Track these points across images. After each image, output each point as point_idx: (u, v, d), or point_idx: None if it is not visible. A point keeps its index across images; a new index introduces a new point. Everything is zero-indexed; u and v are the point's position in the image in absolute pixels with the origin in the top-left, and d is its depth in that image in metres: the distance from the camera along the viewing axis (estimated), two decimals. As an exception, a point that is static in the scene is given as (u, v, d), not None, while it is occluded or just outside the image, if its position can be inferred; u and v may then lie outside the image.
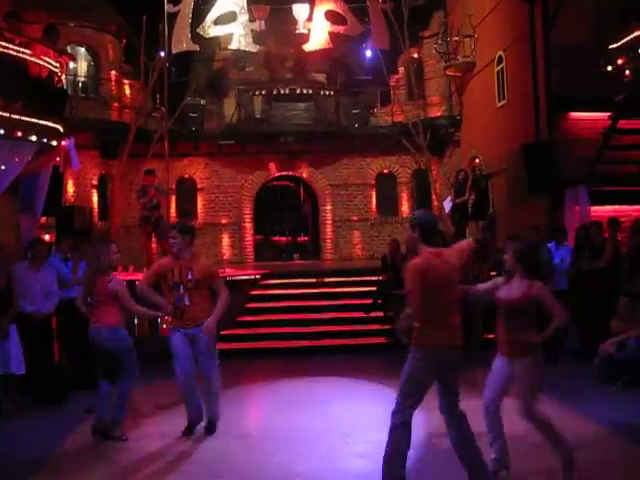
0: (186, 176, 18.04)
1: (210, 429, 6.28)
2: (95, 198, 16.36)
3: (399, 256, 10.62)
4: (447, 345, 4.51)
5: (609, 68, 10.57)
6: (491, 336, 6.75)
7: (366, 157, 18.38)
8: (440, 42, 16.69)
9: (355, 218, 18.37)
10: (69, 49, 14.80)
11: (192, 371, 6.23)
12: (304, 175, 18.51)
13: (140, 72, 15.44)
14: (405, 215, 17.69)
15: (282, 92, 17.48)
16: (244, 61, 18.33)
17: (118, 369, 6.22)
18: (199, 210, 18.09)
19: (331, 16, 16.53)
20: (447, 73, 16.74)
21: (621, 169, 11.39)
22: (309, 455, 5.72)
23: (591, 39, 11.36)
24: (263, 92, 17.72)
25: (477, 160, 15.68)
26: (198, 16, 16.08)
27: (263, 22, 16.41)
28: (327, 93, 17.91)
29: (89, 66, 16.68)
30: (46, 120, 8.76)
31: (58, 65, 9.59)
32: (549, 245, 10.19)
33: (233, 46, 16.53)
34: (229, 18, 16.18)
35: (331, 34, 16.49)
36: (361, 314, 11.29)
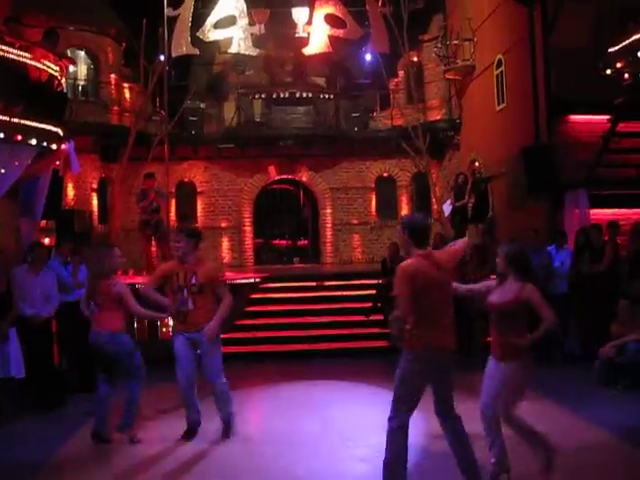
0: (186, 180, 18.04)
1: (225, 433, 6.27)
2: (95, 202, 16.34)
3: (399, 259, 10.55)
4: (438, 347, 4.52)
5: (608, 71, 10.56)
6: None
7: (366, 160, 18.38)
8: (440, 46, 16.69)
9: (355, 221, 18.36)
10: (69, 53, 14.80)
11: (193, 375, 6.23)
12: (304, 179, 18.51)
13: (140, 75, 15.45)
14: (405, 218, 17.64)
15: (282, 96, 17.48)
16: (244, 65, 18.32)
17: (117, 372, 6.23)
18: (199, 213, 18.08)
19: (331, 20, 16.54)
20: (447, 76, 16.74)
21: (621, 172, 11.40)
22: (310, 458, 5.72)
23: (590, 42, 11.36)
24: (263, 96, 17.73)
25: (477, 163, 15.69)
26: (198, 20, 16.09)
27: (263, 26, 16.42)
28: (327, 97, 17.92)
29: (89, 70, 16.67)
30: (46, 124, 8.77)
31: (58, 69, 9.60)
32: (549, 248, 10.20)
33: (233, 50, 16.54)
34: (229, 22, 16.19)
35: (331, 38, 16.50)
36: (361, 318, 11.29)
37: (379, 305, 10.98)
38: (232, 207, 18.13)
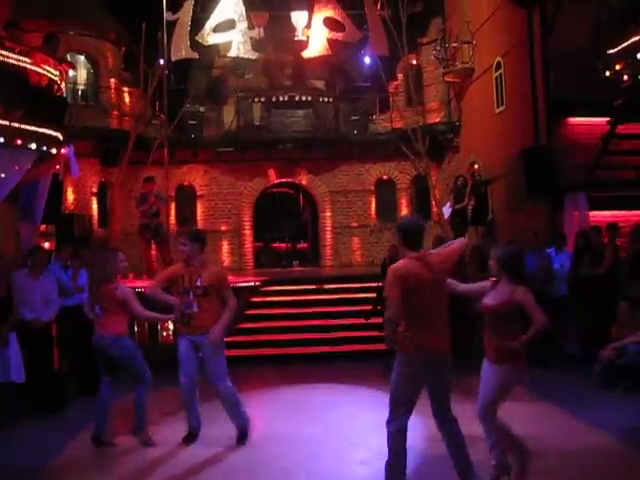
0: (185, 183, 18.05)
1: (240, 440, 6.22)
2: (95, 206, 16.36)
3: (398, 262, 10.62)
4: (431, 349, 4.52)
5: (607, 73, 10.57)
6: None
7: (365, 163, 18.39)
8: (439, 48, 16.71)
9: (354, 224, 18.37)
10: (69, 57, 14.84)
11: (196, 378, 6.23)
12: (303, 182, 18.52)
13: (139, 80, 15.49)
14: (405, 221, 17.66)
15: (281, 99, 17.50)
16: (243, 68, 18.35)
17: (121, 374, 6.24)
18: (199, 217, 18.08)
19: (329, 23, 16.59)
20: (446, 79, 16.75)
21: (620, 174, 11.40)
22: (311, 461, 5.72)
23: (589, 44, 11.36)
24: (262, 99, 17.74)
25: (476, 166, 15.70)
26: (197, 24, 16.13)
27: (262, 29, 16.47)
28: (326, 100, 17.92)
29: (89, 74, 16.69)
30: (46, 128, 8.78)
31: (58, 73, 9.61)
32: (548, 250, 10.21)
33: (232, 53, 16.59)
34: (228, 26, 16.23)
35: (330, 41, 16.54)
36: (361, 320, 11.29)
37: (379, 308, 10.96)
38: (232, 210, 18.14)
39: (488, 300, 4.90)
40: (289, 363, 10.40)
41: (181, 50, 15.92)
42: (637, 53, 9.92)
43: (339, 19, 16.59)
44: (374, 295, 11.27)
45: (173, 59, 15.92)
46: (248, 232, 18.20)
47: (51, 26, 13.10)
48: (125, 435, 6.41)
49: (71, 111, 12.72)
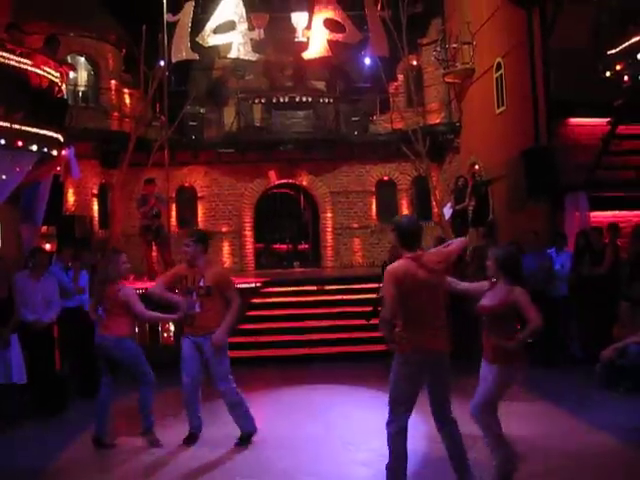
0: (186, 185, 18.06)
1: (244, 441, 6.21)
2: (95, 207, 16.37)
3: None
4: (428, 349, 4.52)
5: (608, 74, 10.56)
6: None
7: (366, 164, 18.39)
8: (439, 49, 16.71)
9: (355, 225, 18.37)
10: (69, 59, 14.87)
11: (198, 378, 6.23)
12: (304, 183, 18.53)
13: (140, 81, 15.50)
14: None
15: (281, 100, 17.50)
16: (243, 69, 18.37)
17: (121, 375, 6.25)
18: (199, 218, 18.09)
19: (330, 24, 16.60)
20: (446, 80, 16.75)
21: (620, 174, 11.40)
22: (312, 462, 5.72)
23: (590, 44, 11.36)
24: (262, 100, 17.76)
25: (477, 166, 15.70)
26: (197, 25, 16.15)
27: (262, 31, 16.49)
28: (326, 101, 17.93)
29: (89, 76, 16.71)
30: (47, 130, 8.81)
31: (58, 75, 9.64)
32: (549, 251, 10.21)
33: (232, 55, 16.60)
34: (228, 27, 16.25)
35: (330, 42, 16.55)
36: (362, 321, 11.27)
37: (379, 309, 10.96)
38: (232, 212, 18.15)
39: (485, 301, 4.92)
40: (290, 364, 10.40)
41: (181, 51, 15.94)
42: (637, 53, 9.91)
43: (339, 20, 16.60)
44: (375, 296, 11.26)
45: (173, 60, 15.94)
46: (249, 233, 18.20)
47: (52, 28, 13.16)
48: (126, 436, 6.41)
49: (72, 113, 12.75)
